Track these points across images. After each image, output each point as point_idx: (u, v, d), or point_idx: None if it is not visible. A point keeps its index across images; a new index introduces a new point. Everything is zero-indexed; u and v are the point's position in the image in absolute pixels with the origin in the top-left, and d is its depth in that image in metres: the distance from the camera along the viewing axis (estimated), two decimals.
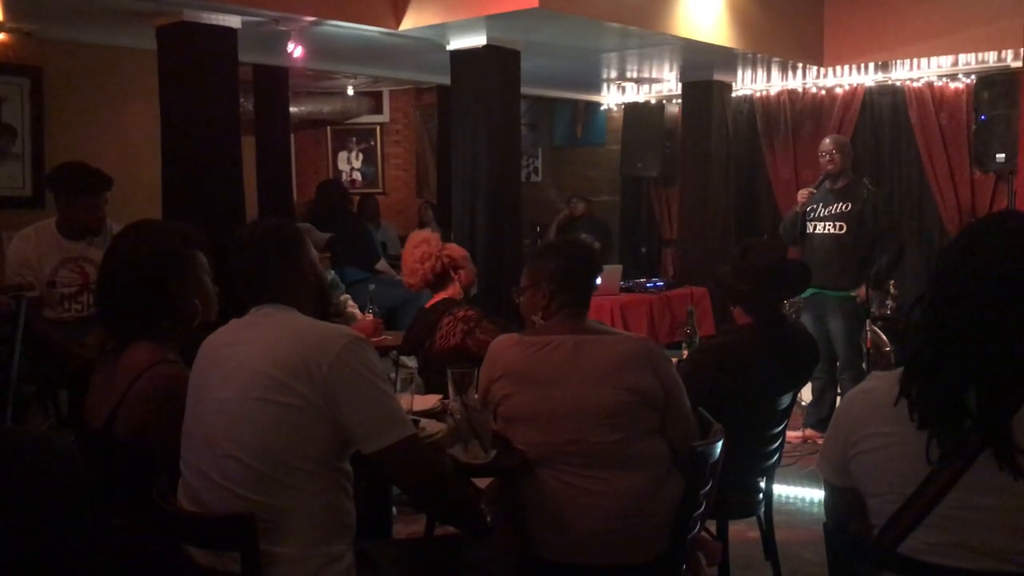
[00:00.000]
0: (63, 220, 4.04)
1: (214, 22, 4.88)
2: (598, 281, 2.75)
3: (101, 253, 4.09)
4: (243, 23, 4.98)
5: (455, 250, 3.85)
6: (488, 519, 2.14)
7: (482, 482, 2.63)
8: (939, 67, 6.72)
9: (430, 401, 2.97)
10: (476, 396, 2.54)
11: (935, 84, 6.85)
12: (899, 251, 5.37)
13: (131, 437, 2.09)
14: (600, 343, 2.42)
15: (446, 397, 2.97)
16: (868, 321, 5.39)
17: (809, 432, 5.34)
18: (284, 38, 5.36)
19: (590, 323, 2.54)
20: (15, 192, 6.22)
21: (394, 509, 3.40)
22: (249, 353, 1.97)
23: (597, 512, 2.30)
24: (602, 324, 2.60)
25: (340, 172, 10.16)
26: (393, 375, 2.76)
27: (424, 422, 2.59)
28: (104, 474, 2.00)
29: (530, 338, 2.47)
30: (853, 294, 5.28)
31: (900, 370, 1.65)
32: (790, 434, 4.84)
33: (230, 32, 4.96)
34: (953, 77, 6.75)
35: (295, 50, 5.43)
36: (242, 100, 5.61)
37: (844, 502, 1.71)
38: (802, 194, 5.44)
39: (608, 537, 2.30)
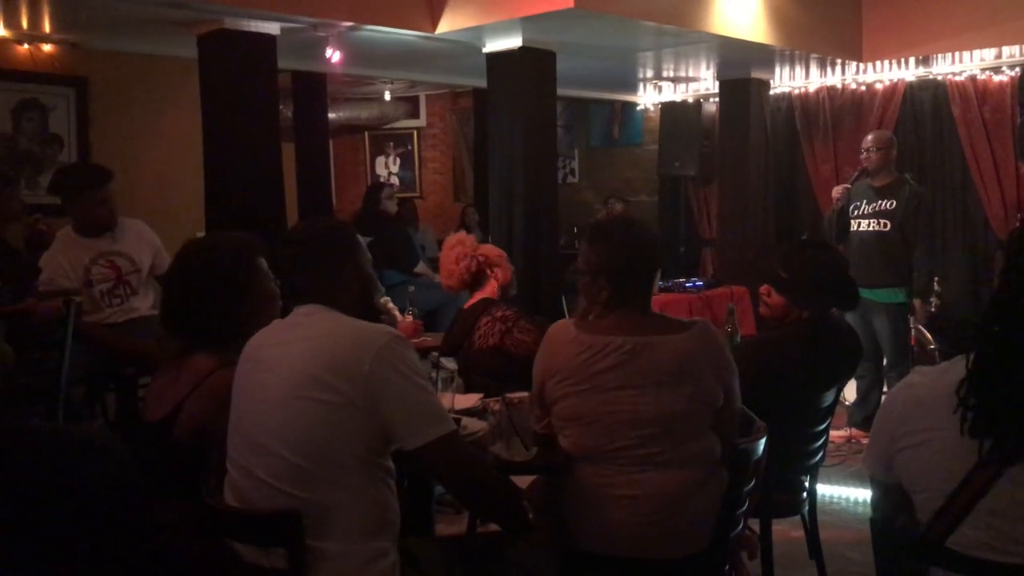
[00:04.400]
0: (78, 221, 4.13)
1: (254, 29, 4.95)
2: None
3: (124, 245, 4.23)
4: (282, 30, 5.03)
5: (490, 250, 3.87)
6: (530, 515, 2.14)
7: (522, 481, 2.63)
8: (982, 60, 6.60)
9: (471, 400, 3.00)
10: (529, 393, 2.51)
11: (978, 77, 6.72)
12: (927, 263, 5.22)
13: (191, 432, 2.16)
14: (658, 346, 2.29)
15: (486, 396, 2.99)
16: (912, 319, 5.31)
17: (854, 431, 5.28)
18: (322, 44, 5.42)
19: (650, 319, 2.39)
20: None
21: None
22: (292, 353, 1.99)
23: (636, 508, 2.28)
24: (663, 317, 2.43)
25: (378, 177, 10.24)
26: (433, 375, 2.78)
27: (465, 420, 2.60)
28: (155, 469, 2.04)
29: (586, 336, 2.33)
30: (902, 300, 5.19)
31: (944, 365, 1.63)
32: (834, 433, 4.78)
33: (269, 39, 5.03)
34: (996, 70, 6.63)
35: (333, 55, 5.48)
36: (281, 107, 5.68)
37: (890, 499, 1.69)
38: (836, 191, 5.39)
39: (647, 531, 2.29)
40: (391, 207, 7.11)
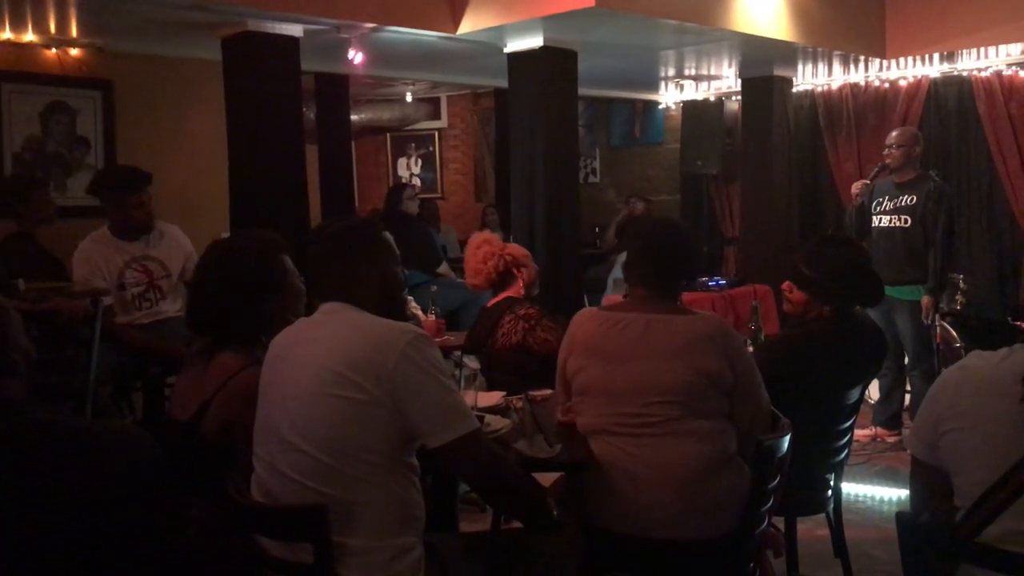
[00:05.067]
0: (117, 223, 4.21)
1: (277, 31, 4.98)
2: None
3: (158, 250, 4.30)
4: (305, 32, 5.07)
5: (516, 249, 3.90)
6: (554, 512, 2.15)
7: (546, 478, 2.64)
8: (1008, 55, 6.53)
9: (494, 398, 3.01)
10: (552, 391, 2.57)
11: (1004, 73, 6.65)
12: (944, 257, 5.11)
13: (218, 431, 2.18)
14: (671, 323, 2.45)
15: (509, 394, 3.00)
16: (937, 316, 5.27)
17: (879, 430, 5.25)
18: (345, 46, 5.45)
19: (668, 304, 2.53)
20: (89, 201, 6.41)
21: None
22: (316, 350, 2.01)
23: (650, 482, 2.35)
24: (681, 306, 2.57)
25: (400, 178, 10.28)
26: (456, 374, 2.80)
27: (489, 418, 2.62)
28: (183, 466, 2.07)
29: (607, 313, 2.54)
30: (918, 299, 5.14)
31: (1003, 351, 1.62)
32: (859, 432, 4.76)
33: (292, 41, 5.06)
34: (1022, 65, 6.56)
35: (356, 57, 5.51)
36: (304, 109, 5.72)
37: (928, 481, 1.68)
38: (856, 187, 5.34)
39: (668, 508, 2.33)
40: (412, 208, 7.14)
